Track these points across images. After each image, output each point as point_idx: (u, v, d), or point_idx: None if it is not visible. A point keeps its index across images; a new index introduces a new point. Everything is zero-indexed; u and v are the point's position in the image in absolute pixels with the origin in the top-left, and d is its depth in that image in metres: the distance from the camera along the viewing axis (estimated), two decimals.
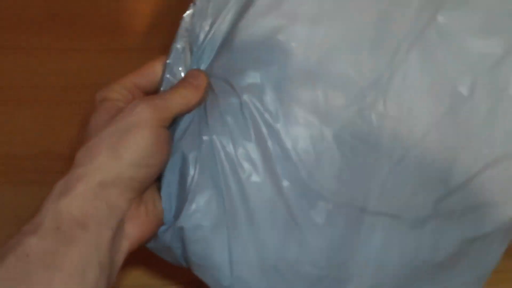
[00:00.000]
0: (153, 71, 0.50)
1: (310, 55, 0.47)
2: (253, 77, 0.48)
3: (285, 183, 0.47)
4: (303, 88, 0.47)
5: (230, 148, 0.47)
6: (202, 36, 0.50)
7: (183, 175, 0.48)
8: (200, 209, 0.48)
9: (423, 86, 0.47)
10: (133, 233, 0.47)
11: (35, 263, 0.41)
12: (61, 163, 0.56)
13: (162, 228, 0.49)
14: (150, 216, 0.48)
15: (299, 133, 0.47)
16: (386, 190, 0.47)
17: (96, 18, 0.65)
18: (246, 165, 0.47)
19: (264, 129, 0.47)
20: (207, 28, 0.50)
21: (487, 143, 0.47)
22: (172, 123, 0.49)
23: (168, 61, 0.50)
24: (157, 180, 0.50)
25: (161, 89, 0.50)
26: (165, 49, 0.53)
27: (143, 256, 0.52)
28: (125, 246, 0.46)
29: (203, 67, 0.50)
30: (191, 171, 0.48)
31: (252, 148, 0.47)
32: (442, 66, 0.47)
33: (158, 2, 0.64)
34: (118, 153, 0.45)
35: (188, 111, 0.49)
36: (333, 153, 0.47)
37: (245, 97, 0.47)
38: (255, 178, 0.47)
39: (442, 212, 0.48)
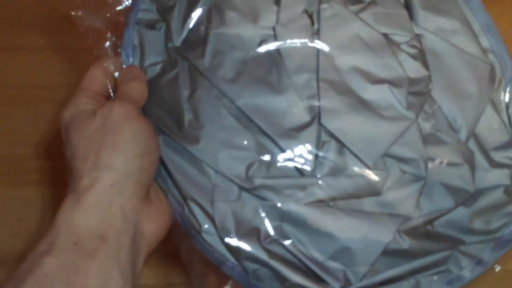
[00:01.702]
0: (95, 77, 0.51)
1: None
2: None
3: None
4: None
5: None
6: None
7: None
8: None
9: None
10: (150, 232, 0.46)
11: (55, 282, 0.40)
12: (61, 163, 0.53)
13: None
14: (161, 213, 0.48)
15: None
16: None
17: None
18: None
19: None
20: None
21: None
22: None
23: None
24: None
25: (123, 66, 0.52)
26: None
27: None
28: (145, 247, 0.46)
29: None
30: None
31: None
32: None
33: None
34: (120, 149, 0.45)
35: (145, 99, 0.51)
36: None
37: None
38: None
39: None
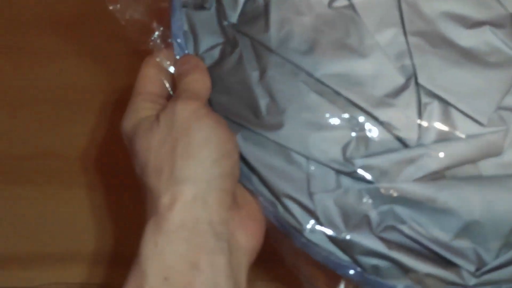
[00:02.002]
0: (149, 77, 0.45)
1: None
2: None
3: None
4: None
5: None
6: None
7: None
8: None
9: None
10: (246, 242, 0.41)
11: None
12: (61, 163, 0.57)
13: None
14: (253, 217, 0.42)
15: None
16: None
17: (96, 21, 0.64)
18: None
19: None
20: None
21: None
22: None
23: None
24: None
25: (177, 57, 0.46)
26: None
27: None
28: (245, 260, 0.40)
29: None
30: None
31: None
32: None
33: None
34: (194, 156, 0.39)
35: (209, 91, 0.45)
36: None
37: None
38: None
39: None
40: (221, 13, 0.47)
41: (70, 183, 0.52)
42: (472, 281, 0.41)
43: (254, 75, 0.44)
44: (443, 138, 0.42)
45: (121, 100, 0.54)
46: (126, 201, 0.58)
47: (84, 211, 0.58)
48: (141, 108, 0.43)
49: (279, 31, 0.45)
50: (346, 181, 0.43)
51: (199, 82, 0.44)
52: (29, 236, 0.56)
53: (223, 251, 0.39)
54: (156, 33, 0.46)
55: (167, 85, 0.46)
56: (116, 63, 0.62)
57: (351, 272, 0.42)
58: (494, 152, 0.43)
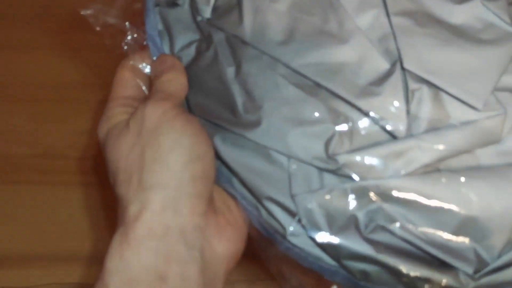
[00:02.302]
0: (124, 80, 0.44)
1: None
2: None
3: None
4: None
5: None
6: None
7: None
8: None
9: None
10: (224, 250, 0.38)
11: None
12: (61, 163, 0.57)
13: None
14: (233, 223, 0.40)
15: None
16: None
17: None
18: None
19: None
20: None
21: None
22: None
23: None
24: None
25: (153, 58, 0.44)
26: None
27: None
28: (221, 269, 0.38)
29: None
30: None
31: None
32: None
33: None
34: (163, 161, 0.37)
35: (185, 91, 0.42)
36: None
37: None
38: None
39: None
40: (194, 9, 0.44)
41: (69, 183, 0.52)
42: (471, 284, 0.37)
43: (230, 71, 0.42)
44: (434, 127, 0.39)
45: None
46: None
47: (82, 211, 0.58)
48: (115, 114, 0.41)
49: (253, 21, 0.42)
50: (330, 179, 0.39)
51: (173, 82, 0.42)
52: (27, 236, 0.55)
53: (195, 260, 0.36)
54: (129, 35, 0.45)
55: (144, 87, 0.44)
56: (116, 61, 0.61)
57: (339, 278, 0.39)
58: (492, 139, 0.38)
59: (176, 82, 0.42)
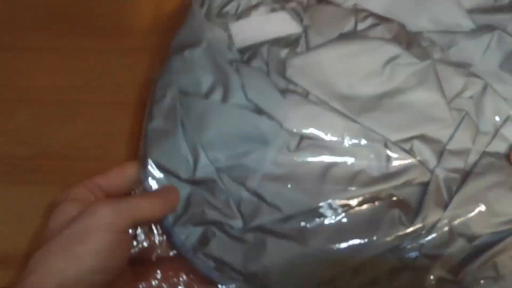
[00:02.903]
0: (123, 175, 0.49)
1: None
2: None
3: None
4: None
5: None
6: None
7: None
8: None
9: None
10: None
11: None
12: (61, 163, 0.55)
13: None
14: None
15: None
16: None
17: (97, 18, 0.64)
18: None
19: None
20: None
21: None
22: None
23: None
24: None
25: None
26: (165, 49, 0.54)
27: None
28: None
29: None
30: None
31: None
32: None
33: (159, 2, 0.64)
34: (78, 257, 0.41)
35: (152, 221, 0.48)
36: None
37: None
38: None
39: None
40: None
41: (69, 183, 0.48)
42: None
43: None
44: None
45: (121, 99, 0.58)
46: None
47: None
48: (76, 193, 0.46)
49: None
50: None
51: (151, 208, 0.46)
52: (28, 236, 0.54)
53: None
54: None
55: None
56: (119, 62, 0.61)
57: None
58: None
59: (151, 210, 0.46)
